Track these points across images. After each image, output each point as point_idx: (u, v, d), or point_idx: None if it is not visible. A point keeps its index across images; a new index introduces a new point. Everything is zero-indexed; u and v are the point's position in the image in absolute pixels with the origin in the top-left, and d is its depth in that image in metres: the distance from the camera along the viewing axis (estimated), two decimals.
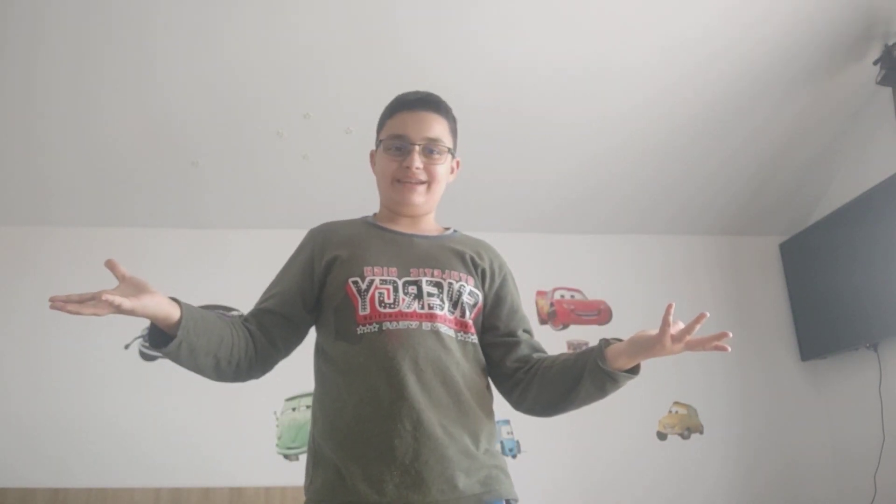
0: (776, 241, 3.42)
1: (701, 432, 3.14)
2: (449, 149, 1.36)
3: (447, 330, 1.24)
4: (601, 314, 3.28)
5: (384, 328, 1.20)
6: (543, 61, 2.60)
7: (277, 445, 2.96)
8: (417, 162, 1.32)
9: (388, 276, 1.26)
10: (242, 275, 3.18)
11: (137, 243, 3.18)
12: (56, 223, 3.17)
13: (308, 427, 3.01)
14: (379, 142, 1.40)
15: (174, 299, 1.20)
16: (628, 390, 3.54)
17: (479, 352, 1.29)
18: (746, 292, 3.37)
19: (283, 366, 3.35)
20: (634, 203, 3.26)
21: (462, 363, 1.23)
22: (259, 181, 3.02)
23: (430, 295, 1.25)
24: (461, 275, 1.30)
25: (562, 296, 3.29)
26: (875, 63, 2.66)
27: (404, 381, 1.15)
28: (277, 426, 2.98)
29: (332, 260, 1.30)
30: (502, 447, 2.97)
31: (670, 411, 3.16)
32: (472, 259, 1.34)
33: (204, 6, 2.35)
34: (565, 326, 3.24)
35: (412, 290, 1.25)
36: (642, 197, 3.23)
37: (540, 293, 3.28)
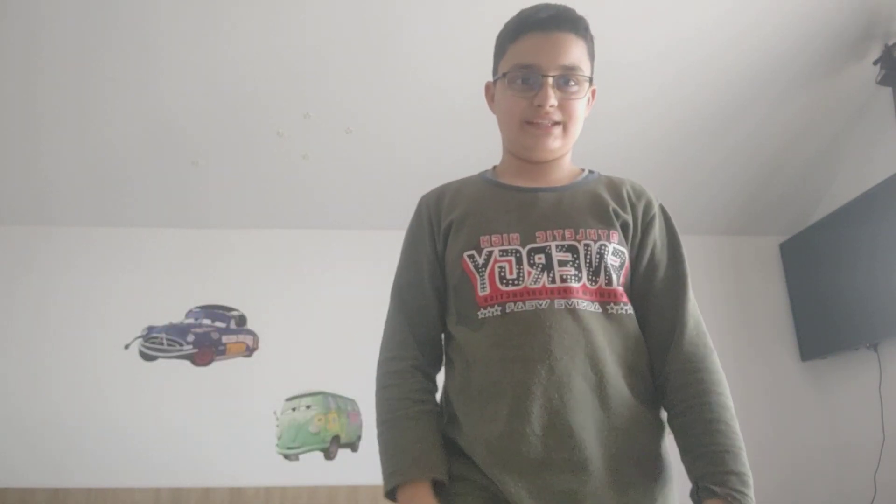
0: (776, 241, 3.42)
1: None
2: (589, 78, 1.11)
3: (587, 305, 1.00)
4: None
5: (508, 310, 1.00)
6: None
7: (277, 445, 2.96)
8: (552, 98, 1.06)
9: (510, 244, 1.04)
10: (242, 275, 3.19)
11: (137, 243, 3.18)
12: (56, 223, 3.17)
13: (308, 427, 3.03)
14: (499, 73, 1.13)
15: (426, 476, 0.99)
16: None
17: (631, 322, 1.04)
18: (746, 292, 3.37)
19: (282, 366, 3.37)
20: None
21: (615, 342, 1.00)
22: (259, 181, 3.02)
23: (561, 264, 1.02)
24: (600, 231, 1.05)
25: None
26: (875, 63, 2.66)
27: (535, 378, 0.95)
28: (277, 426, 2.98)
29: (448, 227, 1.10)
30: None
31: None
32: (615, 209, 1.08)
33: (204, 6, 2.35)
34: None
35: (539, 259, 1.02)
36: None
37: None
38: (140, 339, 3.05)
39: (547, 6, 1.10)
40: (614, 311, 1.02)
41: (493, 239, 1.05)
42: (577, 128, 1.12)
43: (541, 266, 1.02)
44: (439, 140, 2.85)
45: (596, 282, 1.02)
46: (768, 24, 2.54)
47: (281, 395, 3.01)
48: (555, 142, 1.10)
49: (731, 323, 3.32)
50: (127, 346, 3.04)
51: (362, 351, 3.12)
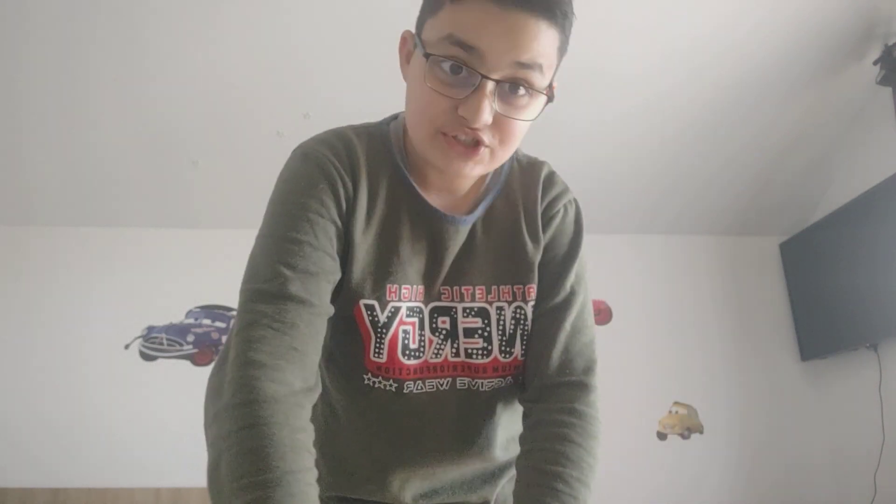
0: (776, 241, 3.42)
1: (701, 432, 3.14)
2: (549, 85, 0.81)
3: (491, 382, 0.86)
4: (601, 314, 3.28)
5: (406, 390, 0.84)
6: None
7: None
8: (486, 113, 0.74)
9: (415, 299, 0.84)
10: (242, 275, 3.19)
11: (137, 243, 3.18)
12: (55, 223, 3.17)
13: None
14: (420, 41, 0.80)
15: None
16: (628, 390, 3.55)
17: (516, 392, 0.92)
18: (746, 292, 3.37)
19: None
20: (635, 203, 3.26)
21: (508, 427, 0.91)
22: (259, 181, 3.01)
23: (468, 333, 0.85)
24: (516, 288, 0.86)
25: None
26: (875, 63, 2.66)
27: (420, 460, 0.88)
28: None
29: (352, 222, 0.82)
30: None
31: (670, 411, 3.16)
32: (532, 249, 0.87)
33: (204, 6, 2.35)
34: None
35: (444, 323, 0.85)
36: (643, 197, 3.23)
37: None
38: (140, 339, 3.05)
39: None
40: (499, 387, 0.87)
41: (403, 292, 0.82)
42: (510, 151, 0.82)
43: (444, 333, 0.85)
44: None
45: (510, 353, 0.85)
46: (769, 26, 2.54)
47: None
48: (475, 168, 0.79)
49: (731, 323, 3.32)
50: (127, 346, 3.04)
51: None
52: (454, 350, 0.84)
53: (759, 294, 3.37)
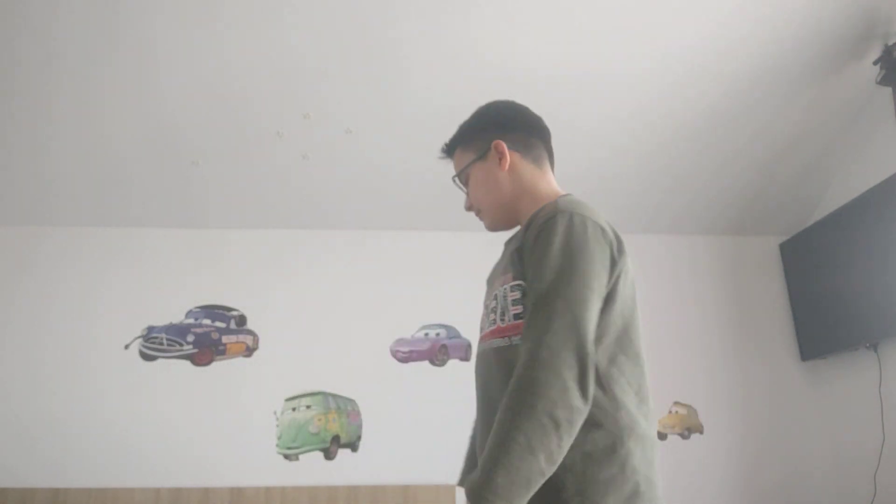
0: (776, 241, 3.42)
1: (701, 432, 3.14)
2: (465, 172, 1.34)
3: (491, 344, 1.16)
4: None
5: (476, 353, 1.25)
6: (545, 63, 2.60)
7: (277, 445, 2.96)
8: (466, 203, 1.34)
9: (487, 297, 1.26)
10: (242, 275, 3.19)
11: (137, 243, 3.18)
12: (56, 223, 3.17)
13: (308, 427, 3.03)
14: None
15: None
16: None
17: (512, 353, 1.10)
18: (746, 292, 3.37)
19: (282, 366, 3.37)
20: (635, 204, 3.26)
21: (497, 377, 1.12)
22: (259, 181, 3.02)
23: (489, 311, 1.19)
24: (507, 276, 1.16)
25: None
26: (875, 63, 2.66)
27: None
28: (277, 426, 2.98)
29: None
30: None
31: (670, 411, 3.16)
32: (517, 247, 1.17)
33: (204, 7, 2.35)
34: None
35: (483, 313, 1.24)
36: (643, 197, 3.23)
37: None
38: (140, 339, 3.05)
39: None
40: (504, 345, 1.12)
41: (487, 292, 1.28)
42: (490, 202, 1.30)
43: (486, 313, 1.21)
44: (438, 140, 2.85)
45: (503, 321, 1.14)
46: (769, 26, 2.54)
47: (281, 395, 3.01)
48: (486, 225, 1.34)
49: (731, 323, 3.32)
50: (127, 346, 3.04)
51: (362, 351, 3.13)
52: (486, 324, 1.22)
53: (759, 294, 3.37)
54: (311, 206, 3.14)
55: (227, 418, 2.96)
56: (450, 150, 1.36)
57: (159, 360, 3.03)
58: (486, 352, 1.17)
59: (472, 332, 3.18)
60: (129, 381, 2.98)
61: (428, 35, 2.49)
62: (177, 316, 3.10)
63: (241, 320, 3.12)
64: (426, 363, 3.12)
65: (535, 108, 2.75)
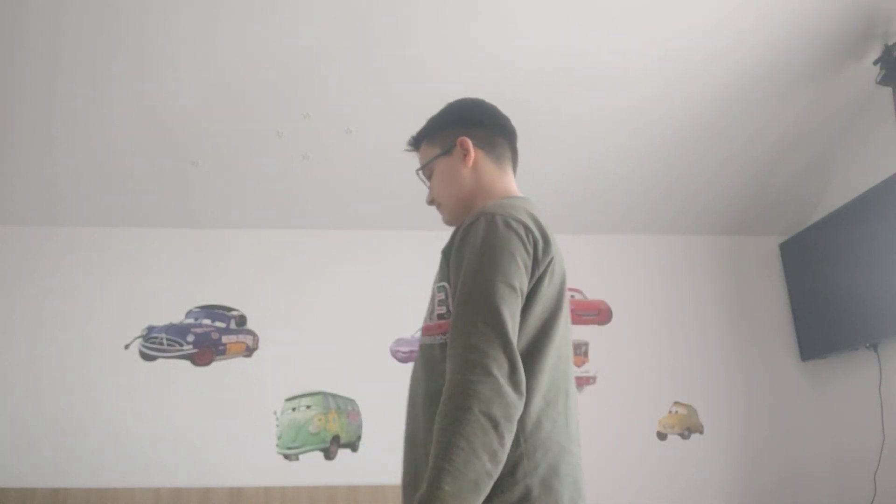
0: (776, 241, 3.42)
1: (701, 432, 3.14)
2: (429, 166, 1.33)
3: (421, 341, 1.19)
4: (601, 314, 3.28)
5: None
6: (543, 61, 2.60)
7: (277, 445, 2.96)
8: (427, 197, 1.35)
9: None
10: (242, 275, 3.19)
11: (138, 243, 3.18)
12: (56, 223, 3.17)
13: (308, 427, 3.03)
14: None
15: None
16: (629, 390, 3.54)
17: (434, 351, 1.13)
18: (746, 292, 3.37)
19: (282, 366, 3.36)
20: (635, 203, 3.26)
21: (420, 373, 1.15)
22: (259, 181, 3.02)
23: (427, 309, 1.23)
24: (437, 276, 1.19)
25: None
26: (875, 63, 2.66)
27: None
28: (277, 426, 2.98)
29: None
30: None
31: (670, 411, 3.16)
32: (446, 246, 1.19)
33: (205, 7, 2.35)
34: None
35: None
36: (643, 197, 3.23)
37: None
38: (140, 339, 3.05)
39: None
40: (426, 343, 1.15)
41: None
42: (448, 196, 1.31)
43: None
44: None
45: (426, 321, 1.17)
46: (769, 25, 2.54)
47: (281, 395, 3.01)
48: (443, 218, 1.34)
49: (731, 323, 3.32)
50: (127, 346, 3.04)
51: (362, 351, 3.13)
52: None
53: (759, 294, 3.37)
54: (311, 206, 3.14)
55: (227, 418, 2.96)
56: (416, 143, 1.37)
57: (159, 360, 3.03)
58: (420, 348, 1.20)
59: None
60: (129, 381, 2.98)
61: (428, 34, 2.49)
62: (177, 316, 3.10)
63: (241, 320, 3.12)
64: None
65: (533, 106, 2.76)
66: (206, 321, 3.10)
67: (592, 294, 3.31)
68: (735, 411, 3.17)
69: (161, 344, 3.05)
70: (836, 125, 2.99)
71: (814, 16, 2.52)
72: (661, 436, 3.12)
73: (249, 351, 3.08)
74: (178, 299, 3.11)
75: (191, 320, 3.10)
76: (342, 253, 3.24)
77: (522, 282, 1.07)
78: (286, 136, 2.81)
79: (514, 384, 0.98)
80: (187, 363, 3.04)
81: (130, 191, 3.03)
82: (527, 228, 1.11)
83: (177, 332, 3.07)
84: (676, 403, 3.17)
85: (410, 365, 3.10)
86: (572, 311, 3.27)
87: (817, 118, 2.94)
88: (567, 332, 1.17)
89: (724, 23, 2.52)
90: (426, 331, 1.16)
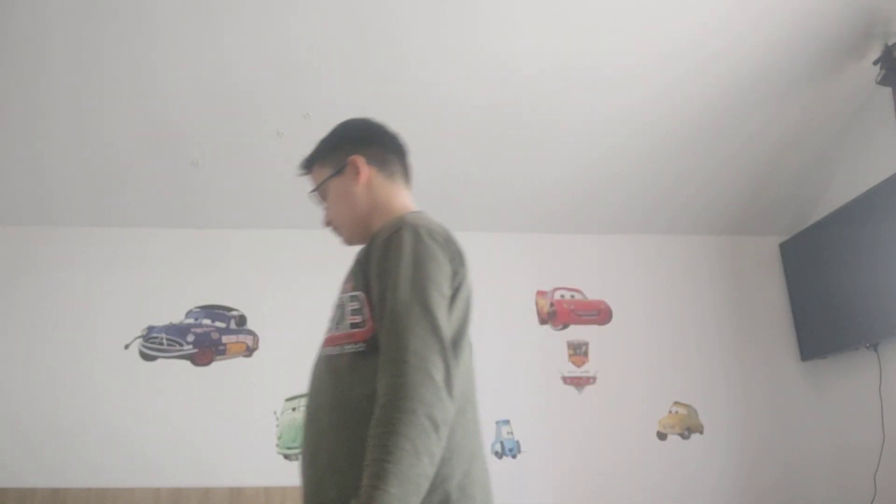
0: (776, 241, 3.42)
1: (701, 432, 3.14)
2: (322, 187, 1.35)
3: (324, 352, 1.18)
4: (601, 314, 3.28)
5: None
6: (544, 61, 2.60)
7: (277, 445, 2.96)
8: (324, 219, 1.38)
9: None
10: (242, 275, 3.19)
11: (137, 243, 3.18)
12: (56, 223, 3.17)
13: None
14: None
15: None
16: (629, 390, 3.53)
17: (342, 361, 1.13)
18: (746, 292, 3.37)
19: (282, 365, 3.36)
20: (635, 203, 3.26)
21: (326, 384, 1.13)
22: (259, 181, 3.02)
23: (330, 320, 1.21)
24: (348, 285, 1.19)
25: (562, 296, 3.29)
26: (875, 63, 2.66)
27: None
28: (277, 426, 2.98)
29: None
30: (502, 447, 2.97)
31: (670, 411, 3.16)
32: (359, 260, 1.21)
33: (204, 6, 2.35)
34: (565, 326, 3.24)
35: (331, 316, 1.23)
36: (643, 197, 3.23)
37: (540, 293, 3.28)
38: (140, 339, 3.05)
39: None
40: (330, 354, 1.15)
41: None
42: (343, 217, 1.34)
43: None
44: (438, 139, 2.85)
45: (330, 331, 1.18)
46: (769, 25, 2.54)
47: (281, 395, 3.01)
48: (342, 238, 1.38)
49: (731, 323, 3.32)
50: (127, 346, 3.04)
51: None
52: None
53: (759, 294, 3.37)
54: (311, 206, 3.13)
55: (227, 418, 2.96)
56: (308, 166, 1.39)
57: (159, 360, 3.03)
58: (320, 360, 1.19)
59: (472, 331, 3.17)
60: (129, 381, 2.98)
61: (428, 34, 2.49)
62: (177, 316, 3.10)
63: (241, 320, 3.12)
64: None
65: (533, 106, 2.76)
66: (206, 321, 3.10)
67: (592, 294, 3.31)
68: (735, 411, 3.17)
69: (161, 344, 3.05)
70: (836, 125, 2.99)
71: (814, 16, 2.52)
72: (661, 436, 3.12)
73: (249, 351, 3.08)
74: (178, 299, 3.11)
75: (191, 320, 3.10)
76: (342, 253, 3.22)
77: (448, 290, 1.11)
78: (286, 136, 2.81)
79: (449, 388, 1.01)
80: (187, 363, 3.04)
81: (131, 190, 3.03)
82: (447, 240, 1.15)
83: (177, 332, 3.07)
84: (676, 403, 3.17)
85: None
86: (572, 311, 3.27)
87: (817, 118, 2.94)
88: (470, 344, 1.21)
89: (723, 23, 2.52)
90: (332, 341, 1.16)
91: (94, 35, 2.41)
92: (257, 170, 2.97)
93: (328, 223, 1.38)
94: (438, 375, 1.00)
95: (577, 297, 3.30)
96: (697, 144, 2.99)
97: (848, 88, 2.83)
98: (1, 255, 3.13)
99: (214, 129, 2.78)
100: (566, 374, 3.16)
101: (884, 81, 2.65)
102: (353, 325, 1.13)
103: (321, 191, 1.36)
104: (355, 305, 1.14)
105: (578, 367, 3.18)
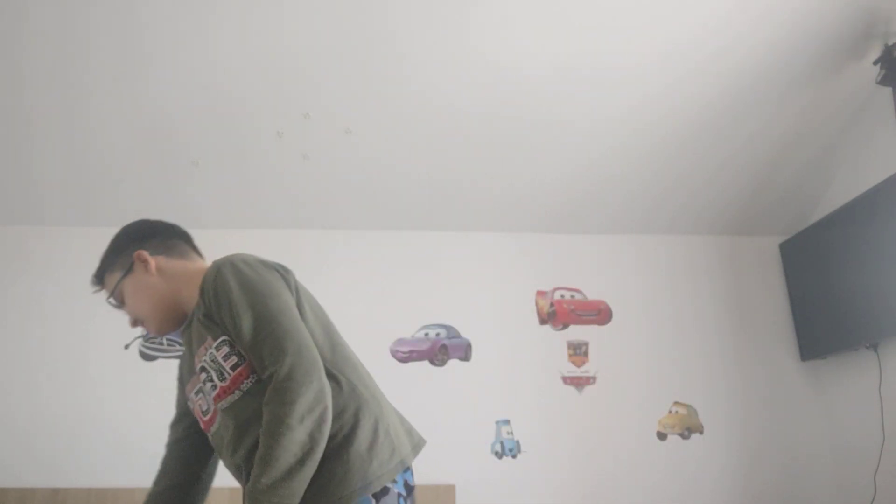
0: (776, 241, 3.42)
1: (701, 432, 3.14)
2: (117, 291, 1.42)
3: (225, 404, 1.24)
4: (601, 314, 3.28)
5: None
6: (542, 61, 2.60)
7: None
8: (130, 321, 1.44)
9: (191, 388, 1.33)
10: None
11: None
12: (55, 223, 3.17)
13: None
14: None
15: None
16: (629, 390, 3.54)
17: (247, 396, 1.21)
18: (746, 292, 3.37)
19: None
20: (634, 203, 3.26)
21: (252, 422, 1.20)
22: (259, 181, 3.02)
23: (204, 387, 1.26)
24: (206, 342, 1.24)
25: (562, 296, 3.29)
26: (875, 63, 2.66)
27: None
28: None
29: None
30: (502, 447, 2.97)
31: (670, 411, 3.16)
32: (205, 315, 1.25)
33: (203, 6, 2.35)
34: (565, 326, 3.24)
35: (199, 388, 1.29)
36: (642, 197, 3.23)
37: (540, 293, 3.28)
38: (140, 340, 3.04)
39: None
40: (233, 401, 1.21)
41: (187, 388, 1.37)
42: (145, 311, 1.38)
43: (197, 410, 1.31)
44: (438, 140, 2.85)
45: (217, 387, 1.23)
46: (769, 25, 2.54)
47: None
48: (151, 331, 1.41)
49: (730, 323, 3.32)
50: (127, 347, 3.03)
51: (362, 351, 3.12)
52: (206, 405, 1.31)
53: (759, 294, 3.37)
54: (311, 206, 3.14)
55: None
56: (99, 279, 1.45)
57: (159, 360, 3.03)
58: (224, 416, 1.23)
59: (472, 331, 3.18)
60: (129, 381, 2.98)
61: (427, 34, 2.49)
62: None
63: None
64: (426, 363, 3.12)
65: (532, 106, 2.76)
66: None
67: (592, 294, 3.31)
68: (735, 411, 3.17)
69: (161, 344, 3.05)
70: (836, 125, 2.99)
71: (814, 16, 2.52)
72: (661, 436, 3.12)
73: None
74: None
75: None
76: (342, 253, 3.24)
77: (291, 298, 1.23)
78: (286, 136, 2.81)
79: (318, 370, 1.14)
80: None
81: (131, 191, 3.03)
82: (259, 261, 1.27)
83: (176, 333, 3.06)
84: (676, 403, 3.17)
85: (411, 365, 3.11)
86: (572, 311, 3.27)
87: (817, 118, 2.94)
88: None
89: (723, 23, 2.52)
90: (226, 392, 1.22)
91: (92, 34, 2.41)
92: (257, 170, 2.97)
93: (134, 323, 1.42)
94: (317, 375, 1.12)
95: (577, 297, 3.30)
96: (697, 144, 2.99)
97: (848, 88, 2.83)
98: (2, 255, 3.13)
99: (214, 130, 2.78)
100: (566, 374, 3.16)
101: (884, 81, 2.65)
102: (234, 367, 1.20)
103: (116, 295, 1.41)
104: (225, 350, 1.20)
105: (578, 367, 3.18)
